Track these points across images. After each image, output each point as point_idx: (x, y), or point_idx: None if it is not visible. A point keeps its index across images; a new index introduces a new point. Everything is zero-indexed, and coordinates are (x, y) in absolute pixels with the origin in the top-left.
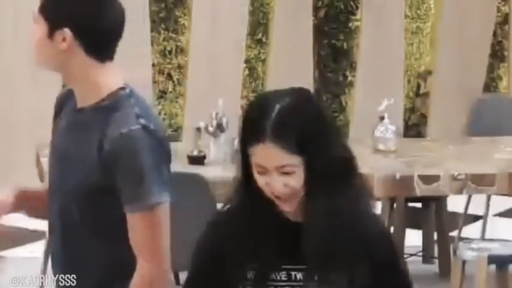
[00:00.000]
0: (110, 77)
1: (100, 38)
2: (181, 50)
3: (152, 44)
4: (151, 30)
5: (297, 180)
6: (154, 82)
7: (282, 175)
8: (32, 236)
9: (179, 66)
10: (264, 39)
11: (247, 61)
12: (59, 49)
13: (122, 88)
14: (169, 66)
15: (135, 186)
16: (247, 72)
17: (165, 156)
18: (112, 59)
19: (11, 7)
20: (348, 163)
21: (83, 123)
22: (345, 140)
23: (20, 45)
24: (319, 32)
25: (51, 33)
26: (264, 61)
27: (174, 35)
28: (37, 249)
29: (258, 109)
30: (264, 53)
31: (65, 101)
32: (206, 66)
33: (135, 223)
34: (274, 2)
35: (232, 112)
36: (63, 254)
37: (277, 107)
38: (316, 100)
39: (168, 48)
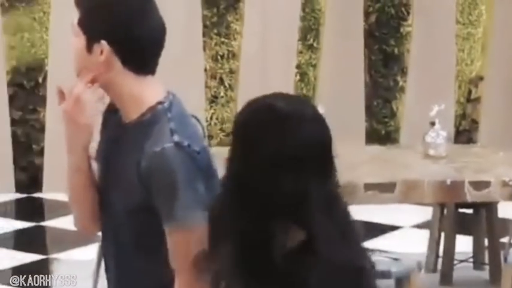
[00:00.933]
0: (149, 90)
1: (137, 50)
2: (233, 55)
3: (204, 49)
4: (204, 35)
5: None
6: (206, 87)
7: None
8: (85, 238)
9: (231, 71)
10: (315, 45)
11: (298, 66)
12: (97, 62)
13: (160, 102)
14: (221, 71)
15: (168, 205)
16: (298, 77)
17: (201, 173)
18: (153, 73)
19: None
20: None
21: (126, 139)
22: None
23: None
24: (370, 37)
25: (89, 46)
26: (315, 66)
27: (226, 40)
28: (91, 252)
29: None
30: (315, 58)
31: (109, 115)
32: (257, 71)
33: (170, 241)
34: (326, 7)
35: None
36: (116, 270)
37: None
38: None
39: (220, 53)
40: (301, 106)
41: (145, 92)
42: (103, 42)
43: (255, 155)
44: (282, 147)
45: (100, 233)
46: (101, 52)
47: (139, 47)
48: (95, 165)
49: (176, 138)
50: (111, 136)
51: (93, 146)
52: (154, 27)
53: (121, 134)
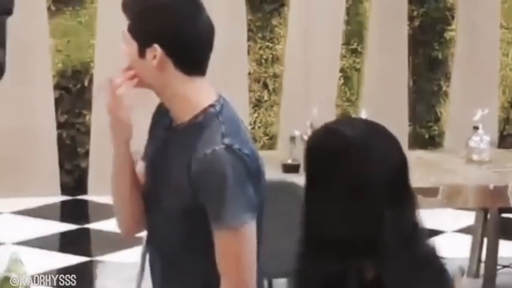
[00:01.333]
0: (201, 93)
1: (188, 51)
2: (277, 59)
3: (249, 53)
4: (248, 39)
5: None
6: (250, 91)
7: None
8: (130, 240)
9: (275, 75)
10: (359, 49)
11: (342, 70)
12: (151, 66)
13: (212, 105)
14: (265, 75)
15: (217, 206)
16: (342, 81)
17: (250, 175)
18: (203, 74)
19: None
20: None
21: (177, 141)
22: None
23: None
24: (414, 42)
25: (142, 52)
26: (359, 70)
27: (270, 44)
28: (135, 254)
29: None
30: (359, 62)
31: (159, 117)
32: (301, 75)
33: (218, 242)
34: (370, 11)
35: (326, 121)
36: (163, 271)
37: None
38: None
39: (264, 57)
40: (368, 130)
41: (197, 94)
42: (155, 45)
43: (322, 185)
44: (347, 175)
45: (144, 235)
46: (154, 56)
47: (191, 48)
48: (140, 166)
49: (227, 141)
50: (161, 137)
51: (135, 145)
52: (204, 28)
53: (171, 136)
